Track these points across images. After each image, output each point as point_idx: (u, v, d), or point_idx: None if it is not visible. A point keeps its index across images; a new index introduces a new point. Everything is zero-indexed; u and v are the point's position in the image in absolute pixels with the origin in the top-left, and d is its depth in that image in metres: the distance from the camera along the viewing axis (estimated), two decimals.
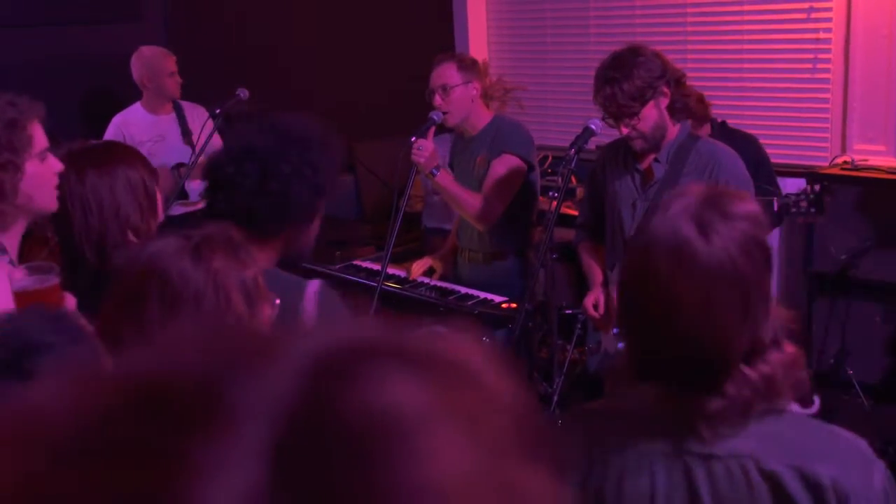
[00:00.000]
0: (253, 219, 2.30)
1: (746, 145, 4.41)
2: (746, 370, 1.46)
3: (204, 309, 1.67)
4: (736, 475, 1.48)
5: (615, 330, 3.35)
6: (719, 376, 1.46)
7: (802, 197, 3.58)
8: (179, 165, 5.13)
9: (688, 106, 3.33)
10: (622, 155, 3.43)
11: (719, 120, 4.50)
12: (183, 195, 4.80)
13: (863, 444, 1.53)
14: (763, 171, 4.32)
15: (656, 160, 3.33)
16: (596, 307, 3.45)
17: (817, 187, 3.59)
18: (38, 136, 2.29)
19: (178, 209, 4.83)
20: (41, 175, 2.28)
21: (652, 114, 3.23)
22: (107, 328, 1.66)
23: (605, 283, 3.50)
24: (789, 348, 1.51)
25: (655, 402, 1.55)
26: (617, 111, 3.23)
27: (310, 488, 0.45)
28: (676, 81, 3.28)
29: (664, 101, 3.25)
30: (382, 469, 0.45)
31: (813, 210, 3.56)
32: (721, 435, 1.49)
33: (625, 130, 3.24)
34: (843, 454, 1.49)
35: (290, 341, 0.52)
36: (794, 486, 1.45)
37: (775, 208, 3.64)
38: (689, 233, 1.44)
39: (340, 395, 0.47)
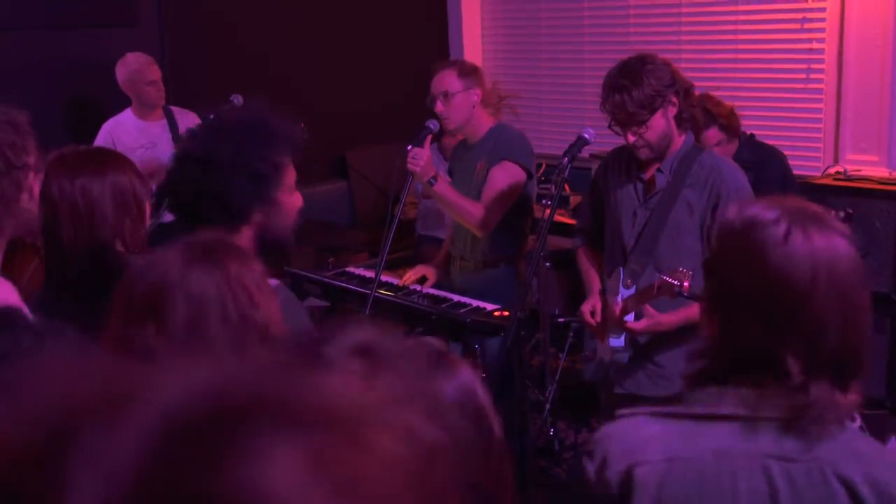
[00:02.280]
0: (202, 218, 2.35)
1: (774, 158, 4.42)
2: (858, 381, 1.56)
3: (229, 310, 1.68)
4: (815, 479, 1.52)
5: (611, 339, 3.35)
6: (854, 379, 1.54)
7: None
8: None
9: (694, 117, 3.31)
10: (625, 163, 3.42)
11: (747, 133, 4.49)
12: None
13: None
14: (790, 184, 4.33)
15: (659, 170, 3.32)
16: (593, 314, 3.44)
17: (841, 213, 3.60)
18: (33, 144, 2.29)
19: (168, 217, 4.82)
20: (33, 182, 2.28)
21: (659, 123, 3.22)
22: (122, 343, 1.66)
23: (603, 291, 3.49)
24: None
25: (736, 402, 1.57)
26: (625, 119, 3.21)
27: None
28: (685, 92, 3.28)
29: (672, 111, 3.24)
30: None
31: None
32: (804, 439, 1.53)
33: (631, 138, 3.22)
34: (893, 466, 1.57)
35: (145, 393, 0.44)
36: (868, 494, 1.51)
37: None
38: (841, 240, 1.55)
39: (195, 471, 0.40)
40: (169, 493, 0.40)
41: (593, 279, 3.59)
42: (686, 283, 2.83)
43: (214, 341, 1.65)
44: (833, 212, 3.62)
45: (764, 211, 1.57)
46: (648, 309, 3.17)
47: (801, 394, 1.52)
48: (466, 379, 1.44)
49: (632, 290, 3.26)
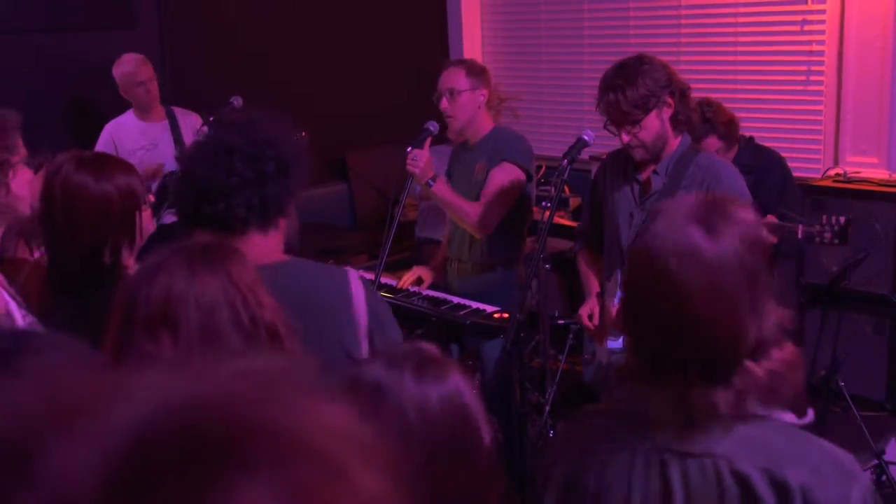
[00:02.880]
0: (265, 209, 2.29)
1: (773, 162, 4.42)
2: (752, 365, 1.51)
3: (240, 312, 1.69)
4: (709, 474, 1.53)
5: (609, 341, 3.35)
6: (729, 370, 1.51)
7: (827, 228, 3.59)
8: (170, 174, 5.12)
9: (690, 119, 3.31)
10: (622, 165, 3.43)
11: (747, 136, 4.49)
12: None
13: (848, 457, 1.56)
14: (789, 187, 4.33)
15: (655, 172, 3.33)
16: (591, 317, 3.44)
17: (842, 219, 3.60)
18: (20, 143, 2.31)
19: (168, 218, 4.82)
20: (27, 181, 2.30)
21: (654, 123, 3.23)
22: (132, 353, 1.66)
23: (601, 294, 3.49)
24: (789, 347, 1.56)
25: (648, 401, 1.58)
26: (619, 118, 3.22)
27: None
28: (681, 94, 3.28)
29: (667, 112, 3.24)
30: None
31: (836, 241, 3.57)
32: (706, 435, 1.53)
33: (626, 138, 3.23)
34: (822, 465, 1.52)
35: (110, 408, 0.41)
36: (763, 489, 1.49)
37: (800, 235, 3.64)
38: (696, 233, 1.51)
39: (153, 501, 0.37)
40: None
41: (592, 282, 3.59)
42: None
43: (229, 346, 1.65)
44: (834, 218, 3.62)
45: (662, 221, 1.57)
46: None
47: (701, 393, 1.52)
48: (455, 385, 1.44)
49: None
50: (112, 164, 2.50)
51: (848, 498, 1.49)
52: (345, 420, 0.45)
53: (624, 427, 1.62)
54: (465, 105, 3.99)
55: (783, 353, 1.54)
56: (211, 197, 2.29)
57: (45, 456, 0.39)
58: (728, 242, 1.51)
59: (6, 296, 2.23)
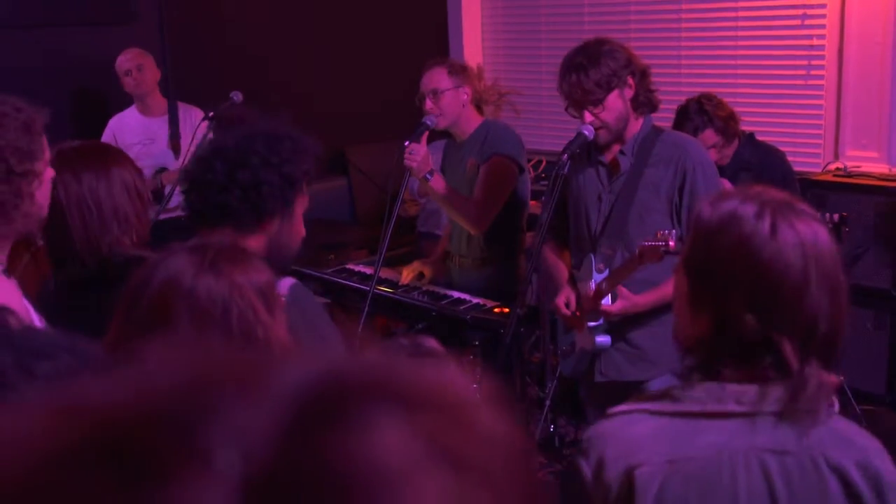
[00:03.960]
0: (226, 212, 2.33)
1: (774, 157, 4.41)
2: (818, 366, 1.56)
3: (232, 323, 1.67)
4: (807, 469, 1.54)
5: (599, 338, 3.33)
6: (828, 361, 1.56)
7: None
8: (161, 170, 5.13)
9: (651, 100, 3.35)
10: (585, 150, 3.44)
11: (747, 132, 4.49)
12: (161, 200, 4.79)
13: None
14: (791, 185, 4.34)
15: (622, 152, 3.35)
16: (568, 305, 3.42)
17: (836, 217, 3.60)
18: (45, 147, 2.25)
19: (160, 215, 4.82)
20: (46, 189, 2.25)
21: (616, 104, 3.25)
22: (129, 349, 1.65)
23: (573, 281, 3.48)
24: None
25: (734, 398, 1.57)
26: (582, 97, 3.25)
27: None
28: (641, 74, 3.32)
29: (629, 93, 3.27)
30: None
31: None
32: (795, 429, 1.54)
33: (588, 117, 3.25)
34: (880, 448, 1.60)
35: (272, 371, 0.48)
36: (859, 480, 1.53)
37: None
38: (821, 228, 1.58)
39: (324, 442, 0.44)
40: (304, 459, 0.43)
41: (562, 271, 3.58)
42: (671, 242, 2.84)
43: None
44: (827, 215, 3.63)
45: (741, 205, 1.58)
46: (622, 290, 3.18)
47: (797, 380, 1.53)
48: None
49: (605, 274, 3.27)
50: (108, 156, 2.49)
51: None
52: (458, 376, 0.52)
53: (711, 426, 1.58)
54: (449, 104, 3.99)
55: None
56: (190, 188, 2.40)
57: (228, 407, 0.44)
58: (829, 235, 1.59)
59: (27, 304, 2.21)
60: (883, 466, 1.54)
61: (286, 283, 2.33)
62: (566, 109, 3.35)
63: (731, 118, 4.27)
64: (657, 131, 3.37)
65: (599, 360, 3.39)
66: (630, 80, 3.27)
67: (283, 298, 2.29)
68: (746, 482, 1.55)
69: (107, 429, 0.44)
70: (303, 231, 2.50)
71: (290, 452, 0.43)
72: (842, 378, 1.62)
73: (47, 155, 2.21)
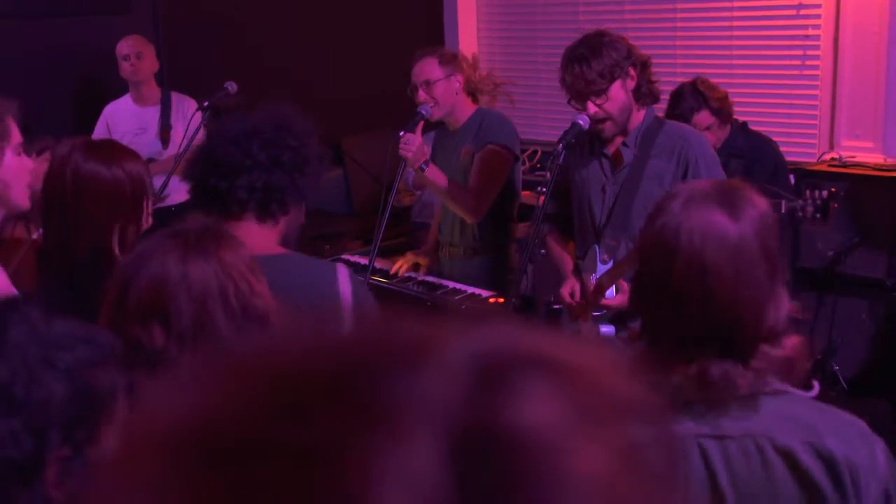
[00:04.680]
0: (267, 198, 2.31)
1: (766, 147, 4.42)
2: (768, 348, 1.54)
3: (230, 300, 1.68)
4: (751, 454, 1.53)
5: (602, 327, 3.34)
6: (748, 351, 1.53)
7: (809, 202, 3.58)
8: (149, 160, 5.12)
9: (652, 91, 3.36)
10: (587, 142, 3.44)
11: (740, 121, 4.49)
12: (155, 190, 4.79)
13: (862, 423, 1.60)
14: (782, 174, 4.33)
15: (624, 144, 3.36)
16: (573, 295, 3.44)
17: (824, 193, 3.59)
18: (15, 131, 2.29)
19: (169, 201, 4.82)
20: (17, 168, 2.29)
21: (619, 94, 3.26)
22: (123, 342, 1.65)
23: (577, 272, 3.49)
24: (795, 337, 1.59)
25: (670, 387, 1.57)
26: (585, 88, 3.25)
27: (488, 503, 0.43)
28: (643, 65, 3.33)
29: (631, 84, 3.28)
30: (540, 489, 0.44)
31: (819, 216, 3.55)
32: (737, 414, 1.53)
33: (592, 108, 3.26)
34: (849, 431, 1.56)
35: (441, 340, 0.49)
36: (809, 461, 1.50)
37: (783, 210, 3.64)
38: (719, 215, 1.53)
39: (507, 408, 0.46)
40: (492, 422, 0.45)
41: (567, 262, 3.59)
42: None
43: (219, 335, 1.65)
44: (816, 192, 3.61)
45: (680, 203, 1.59)
46: (623, 284, 3.19)
47: (698, 372, 1.53)
48: None
49: (609, 265, 3.28)
50: (120, 151, 2.51)
51: (875, 461, 1.53)
52: (600, 349, 0.55)
53: None
54: (442, 94, 3.98)
55: (794, 340, 1.57)
56: (219, 171, 2.33)
57: (405, 373, 0.46)
58: (749, 225, 1.54)
59: (15, 292, 2.23)
60: (843, 449, 1.51)
61: (343, 269, 2.40)
62: (569, 102, 3.34)
63: (725, 100, 4.28)
64: (659, 122, 3.38)
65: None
66: (632, 71, 3.27)
67: (348, 280, 2.33)
68: (685, 469, 1.54)
69: (295, 380, 0.46)
70: (303, 217, 2.52)
71: (481, 416, 0.45)
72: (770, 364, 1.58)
73: (14, 141, 2.25)
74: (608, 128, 3.31)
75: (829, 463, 1.49)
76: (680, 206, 1.56)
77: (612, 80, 3.24)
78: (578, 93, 3.28)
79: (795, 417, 1.54)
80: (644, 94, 3.33)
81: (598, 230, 3.38)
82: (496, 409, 0.46)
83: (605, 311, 3.30)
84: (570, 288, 3.44)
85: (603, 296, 3.24)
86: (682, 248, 1.52)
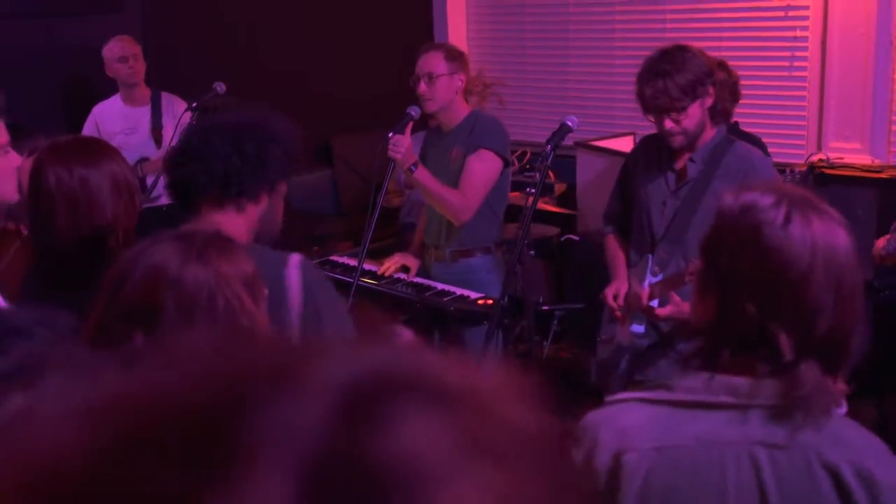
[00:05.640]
0: (231, 180, 2.34)
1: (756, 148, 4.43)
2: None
3: (218, 312, 1.67)
4: (799, 466, 1.53)
5: (634, 325, 3.36)
6: (832, 363, 1.54)
7: None
8: (143, 160, 5.11)
9: (726, 110, 3.33)
10: (655, 153, 3.42)
11: (731, 121, 4.51)
12: (143, 190, 4.78)
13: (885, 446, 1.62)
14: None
15: (691, 160, 3.33)
16: (616, 298, 3.44)
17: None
18: (2, 131, 2.28)
19: (143, 204, 4.80)
20: (3, 167, 2.28)
21: (697, 111, 3.23)
22: (109, 336, 1.64)
23: (626, 275, 3.50)
24: None
25: (725, 388, 1.56)
26: (667, 104, 3.20)
27: None
28: (721, 85, 3.31)
29: (708, 101, 3.25)
30: None
31: None
32: (790, 425, 1.53)
33: (668, 124, 3.22)
34: (883, 453, 1.58)
35: (311, 364, 0.47)
36: (852, 481, 1.51)
37: None
38: (837, 227, 1.56)
39: (370, 437, 0.44)
40: (352, 453, 0.43)
41: (620, 264, 3.59)
42: None
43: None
44: None
45: (762, 196, 1.58)
46: (674, 297, 3.19)
47: (791, 376, 1.52)
48: None
49: (659, 278, 3.29)
50: (100, 149, 2.50)
51: None
52: (499, 372, 0.52)
53: (703, 416, 1.58)
54: (442, 89, 3.98)
55: None
56: (182, 160, 2.39)
57: (270, 399, 0.44)
58: (846, 239, 1.57)
59: None
60: (880, 470, 1.52)
61: (295, 258, 2.38)
62: (645, 114, 3.30)
63: (736, 87, 4.28)
64: (729, 141, 3.35)
65: (637, 360, 3.41)
66: (711, 89, 3.24)
67: (297, 269, 2.33)
68: (736, 474, 1.55)
69: (146, 426, 0.44)
70: (282, 211, 2.53)
71: (340, 446, 0.43)
72: (851, 386, 1.60)
73: (3, 138, 2.25)
74: (678, 141, 3.28)
75: (870, 485, 1.51)
76: (795, 216, 1.55)
77: (695, 98, 3.20)
78: (658, 108, 3.23)
79: (840, 436, 1.55)
80: (719, 111, 3.31)
81: (654, 242, 3.39)
82: (361, 440, 0.44)
83: (645, 321, 3.33)
84: (615, 289, 3.45)
85: (650, 303, 3.26)
86: (817, 262, 1.52)
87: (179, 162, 2.39)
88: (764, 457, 1.54)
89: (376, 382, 0.46)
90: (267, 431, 0.43)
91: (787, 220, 1.54)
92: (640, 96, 3.28)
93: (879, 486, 1.51)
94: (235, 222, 2.38)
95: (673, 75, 3.18)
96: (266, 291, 1.82)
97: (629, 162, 3.65)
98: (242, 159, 2.35)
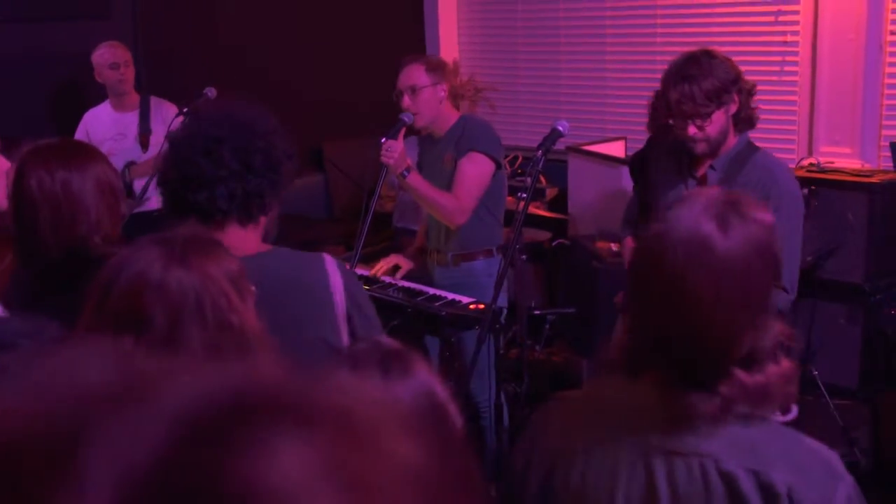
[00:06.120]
0: (248, 203, 2.32)
1: None
2: (742, 375, 1.48)
3: (207, 313, 1.66)
4: (695, 473, 1.50)
5: None
6: (718, 374, 1.48)
7: None
8: (130, 164, 5.11)
9: (751, 117, 3.29)
10: (676, 160, 3.40)
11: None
12: (130, 195, 4.77)
13: (834, 457, 1.55)
14: None
15: (712, 167, 3.31)
16: None
17: (805, 191, 3.60)
18: None
19: (151, 204, 4.80)
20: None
21: (721, 118, 3.20)
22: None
23: None
24: (785, 363, 1.53)
25: (636, 395, 1.56)
26: (691, 110, 3.16)
27: None
28: (748, 92, 3.25)
29: (733, 108, 3.22)
30: None
31: None
32: (694, 433, 1.51)
33: (692, 130, 3.19)
34: (808, 466, 1.51)
35: (164, 387, 0.45)
36: (749, 489, 1.47)
37: None
38: (709, 227, 1.48)
39: (211, 461, 0.41)
40: (182, 482, 0.41)
41: None
42: None
43: (191, 345, 1.64)
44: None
45: (673, 215, 1.54)
46: None
47: (706, 393, 1.49)
48: (424, 379, 1.43)
49: None
50: (84, 153, 2.48)
51: (832, 499, 1.48)
52: (376, 391, 0.49)
53: (607, 420, 1.59)
54: (427, 101, 3.99)
55: (778, 369, 1.51)
56: (194, 185, 2.32)
57: (107, 427, 0.42)
58: (739, 242, 1.48)
59: None
60: (781, 476, 1.46)
61: (329, 258, 2.41)
62: (667, 119, 3.25)
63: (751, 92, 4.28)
64: (752, 149, 3.32)
65: None
66: (736, 97, 3.21)
67: (336, 268, 2.36)
68: (628, 477, 1.55)
69: None
70: (278, 207, 2.53)
71: (169, 473, 0.41)
72: (794, 365, 1.56)
73: None
74: (701, 147, 3.25)
75: (769, 494, 1.46)
76: (677, 213, 1.51)
77: (720, 105, 3.17)
78: (683, 113, 3.19)
79: (748, 444, 1.50)
80: (742, 119, 3.27)
81: None
82: (203, 463, 0.42)
83: None
84: None
85: None
86: (666, 257, 1.48)
87: (190, 187, 2.32)
88: (659, 462, 1.53)
89: (231, 404, 0.44)
90: (96, 458, 0.41)
91: (665, 225, 1.50)
92: (665, 100, 3.24)
93: (778, 494, 1.46)
94: (252, 233, 2.39)
95: (699, 80, 3.14)
96: (253, 288, 1.81)
97: (636, 166, 3.62)
98: (257, 176, 2.34)
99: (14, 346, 1.30)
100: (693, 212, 1.50)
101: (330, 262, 2.40)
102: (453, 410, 1.44)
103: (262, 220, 2.40)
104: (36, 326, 1.37)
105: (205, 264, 1.70)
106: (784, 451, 1.52)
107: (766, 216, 1.55)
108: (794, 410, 1.58)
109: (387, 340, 1.47)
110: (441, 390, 1.44)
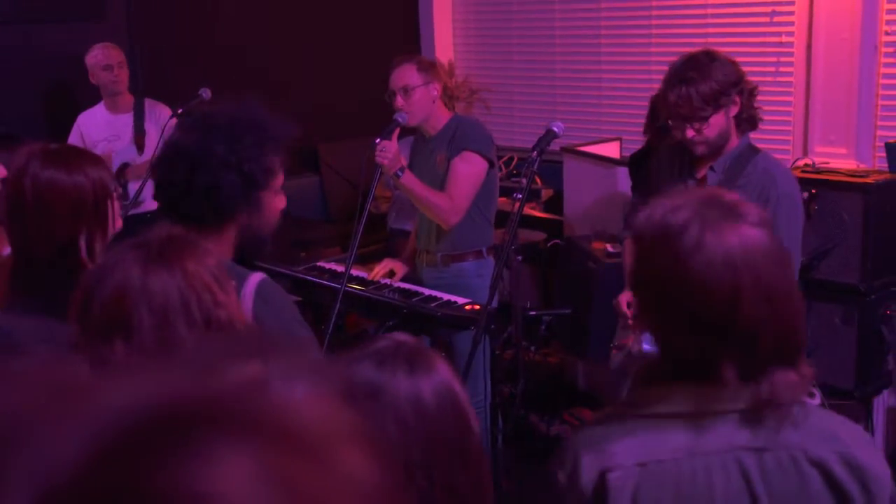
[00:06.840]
0: (188, 215, 2.36)
1: None
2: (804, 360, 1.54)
3: (193, 311, 1.66)
4: (786, 465, 1.53)
5: (645, 345, 3.32)
6: (788, 361, 1.51)
7: None
8: (125, 165, 5.10)
9: (753, 118, 3.26)
10: (678, 161, 3.38)
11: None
12: (125, 197, 4.76)
13: (861, 428, 1.65)
14: None
15: (712, 168, 3.29)
16: (630, 305, 3.42)
17: (805, 195, 3.59)
18: None
19: (128, 211, 4.79)
20: None
21: (720, 121, 3.18)
22: (90, 349, 1.63)
23: None
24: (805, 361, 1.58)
25: (703, 400, 1.55)
26: (689, 113, 3.15)
27: None
28: (749, 93, 3.23)
29: (734, 110, 3.20)
30: None
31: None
32: (769, 427, 1.53)
33: (690, 133, 3.17)
34: (865, 439, 1.60)
35: (96, 397, 0.44)
36: (841, 472, 1.52)
37: None
38: (748, 227, 1.50)
39: (134, 468, 0.40)
40: (101, 490, 0.40)
41: None
42: None
43: (182, 347, 1.63)
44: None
45: (673, 213, 1.52)
46: None
47: (752, 392, 1.51)
48: (444, 375, 1.43)
49: None
50: (80, 156, 2.48)
51: (884, 464, 1.57)
52: (325, 404, 0.47)
53: (682, 429, 1.56)
54: (419, 101, 3.99)
55: (808, 364, 1.56)
56: (159, 187, 2.45)
57: (34, 439, 0.42)
58: (775, 239, 1.53)
59: None
60: (866, 458, 1.53)
61: (254, 279, 2.33)
62: (666, 121, 3.24)
63: (753, 93, 4.27)
64: (752, 151, 3.30)
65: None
66: (736, 98, 3.19)
67: (251, 295, 2.30)
68: (723, 482, 1.54)
69: None
70: (281, 203, 2.52)
71: (88, 481, 0.40)
72: (813, 369, 1.59)
73: None
74: (701, 150, 3.24)
75: (859, 473, 1.52)
76: (708, 234, 1.47)
77: (718, 108, 3.15)
78: (680, 115, 3.18)
79: (821, 429, 1.55)
80: (744, 120, 3.25)
81: None
82: (119, 476, 0.41)
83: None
84: (629, 296, 3.43)
85: None
86: (742, 280, 1.46)
87: (175, 190, 2.39)
88: (750, 461, 1.53)
89: (166, 414, 0.43)
90: (19, 469, 0.41)
91: (699, 241, 1.48)
92: (664, 102, 3.23)
93: (870, 477, 1.52)
94: (225, 237, 2.41)
95: (698, 83, 3.12)
96: (233, 282, 1.81)
97: (635, 162, 3.62)
98: (234, 182, 2.37)
99: (29, 351, 1.29)
100: (721, 221, 1.51)
101: (250, 285, 2.34)
102: (471, 409, 1.45)
103: (225, 232, 2.41)
104: (51, 329, 1.36)
105: (184, 262, 1.69)
106: (846, 430, 1.59)
107: (766, 216, 1.58)
108: (818, 396, 1.65)
109: (405, 338, 1.48)
110: (460, 389, 1.44)
